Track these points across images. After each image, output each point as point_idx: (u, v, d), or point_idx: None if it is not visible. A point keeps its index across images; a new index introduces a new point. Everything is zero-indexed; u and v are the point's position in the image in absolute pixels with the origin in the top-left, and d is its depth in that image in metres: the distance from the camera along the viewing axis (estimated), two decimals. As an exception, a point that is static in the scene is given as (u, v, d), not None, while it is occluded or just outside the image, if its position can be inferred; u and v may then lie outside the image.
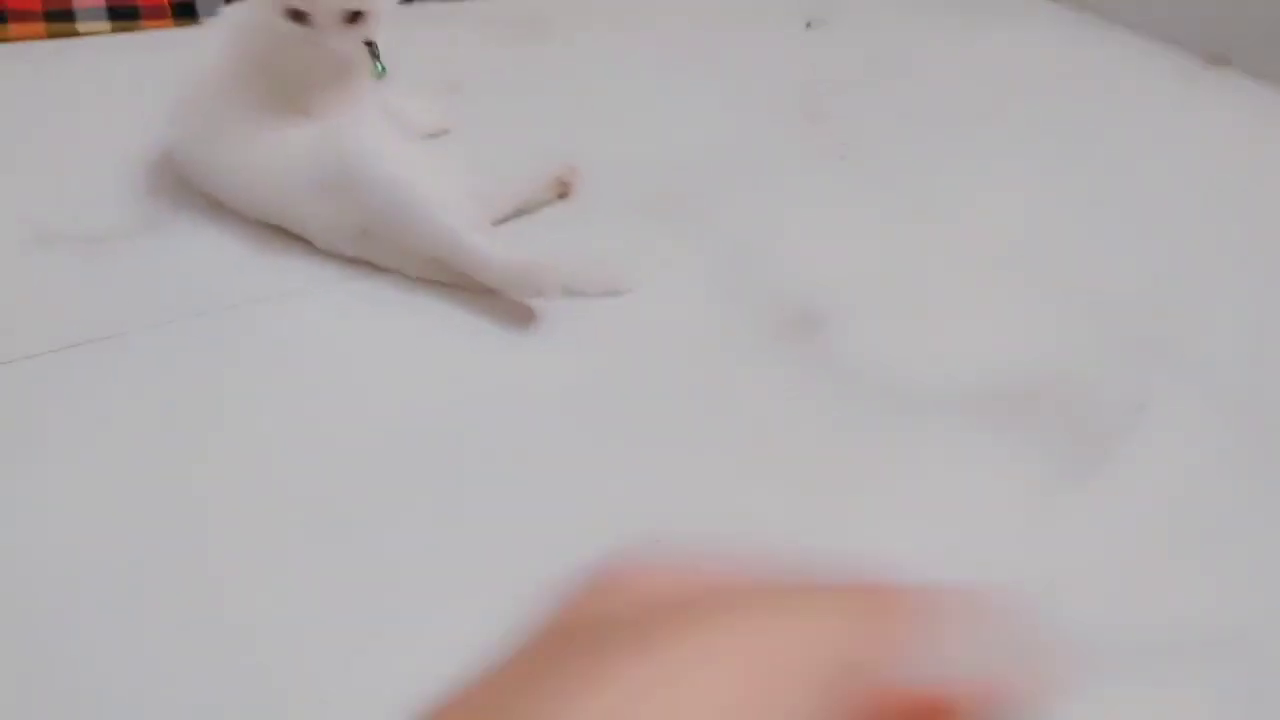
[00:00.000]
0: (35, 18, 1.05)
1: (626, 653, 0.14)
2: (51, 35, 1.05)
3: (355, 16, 0.66)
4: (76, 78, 0.97)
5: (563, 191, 0.80)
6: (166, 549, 0.51)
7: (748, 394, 0.65)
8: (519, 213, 0.77)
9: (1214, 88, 1.16)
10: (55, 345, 0.63)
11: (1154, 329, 0.74)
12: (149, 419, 0.58)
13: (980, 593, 0.16)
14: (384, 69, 0.71)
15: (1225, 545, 0.58)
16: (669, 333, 0.69)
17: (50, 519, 0.52)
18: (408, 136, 0.74)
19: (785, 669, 0.14)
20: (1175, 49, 1.25)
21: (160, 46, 1.04)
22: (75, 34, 1.06)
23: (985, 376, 0.68)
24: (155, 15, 1.10)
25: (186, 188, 0.75)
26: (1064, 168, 0.96)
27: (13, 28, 1.04)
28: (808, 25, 1.22)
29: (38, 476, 0.54)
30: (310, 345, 0.65)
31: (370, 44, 0.70)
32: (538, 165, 0.80)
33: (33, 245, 0.72)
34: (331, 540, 0.52)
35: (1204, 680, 0.49)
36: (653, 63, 1.10)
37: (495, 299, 0.68)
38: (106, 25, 1.08)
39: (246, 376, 0.62)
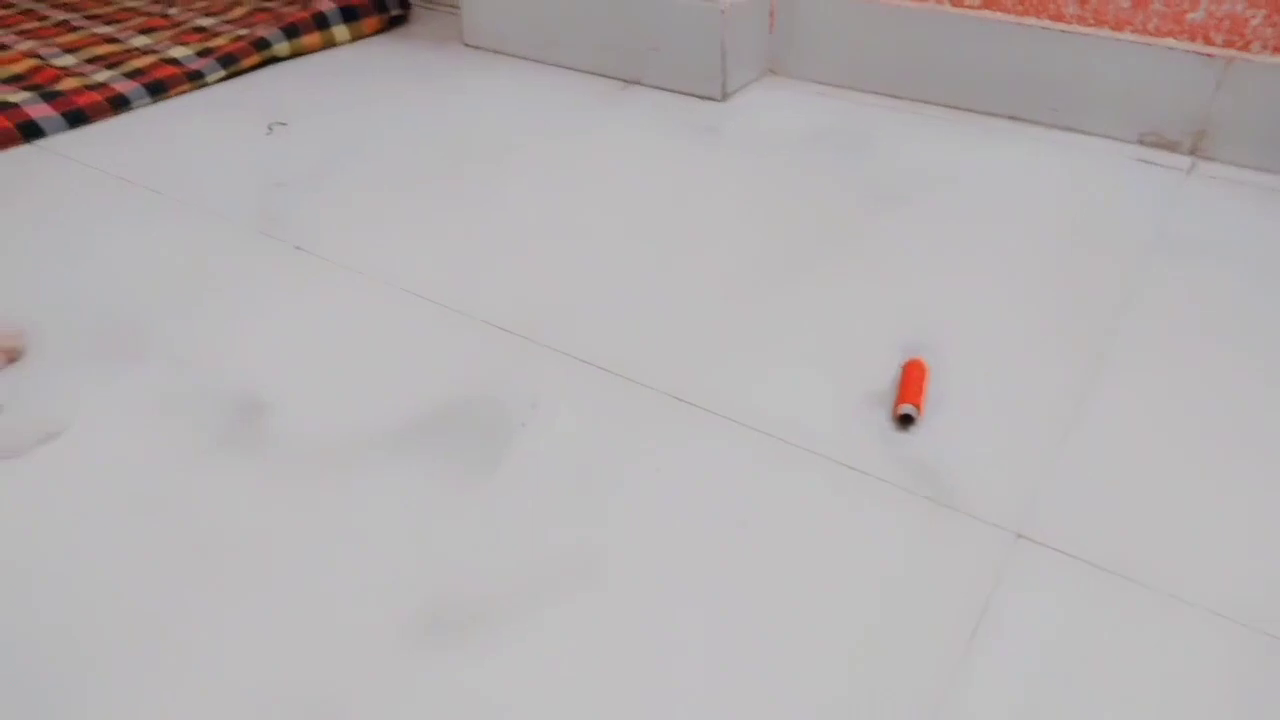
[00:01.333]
0: None
1: None
2: None
3: None
4: None
5: (12, 357, 0.84)
6: None
7: (198, 493, 0.73)
8: None
9: (630, 102, 1.40)
10: None
11: (545, 337, 0.91)
12: None
13: None
14: None
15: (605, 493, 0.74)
16: (112, 458, 0.76)
17: None
18: None
19: None
20: (597, 79, 1.49)
21: None
22: None
23: (405, 413, 0.81)
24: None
25: None
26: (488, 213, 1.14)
27: None
28: (270, 129, 1.32)
29: None
30: None
31: None
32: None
33: None
34: None
35: (587, 602, 0.65)
36: (98, 206, 1.15)
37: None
38: None
39: None
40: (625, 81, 1.47)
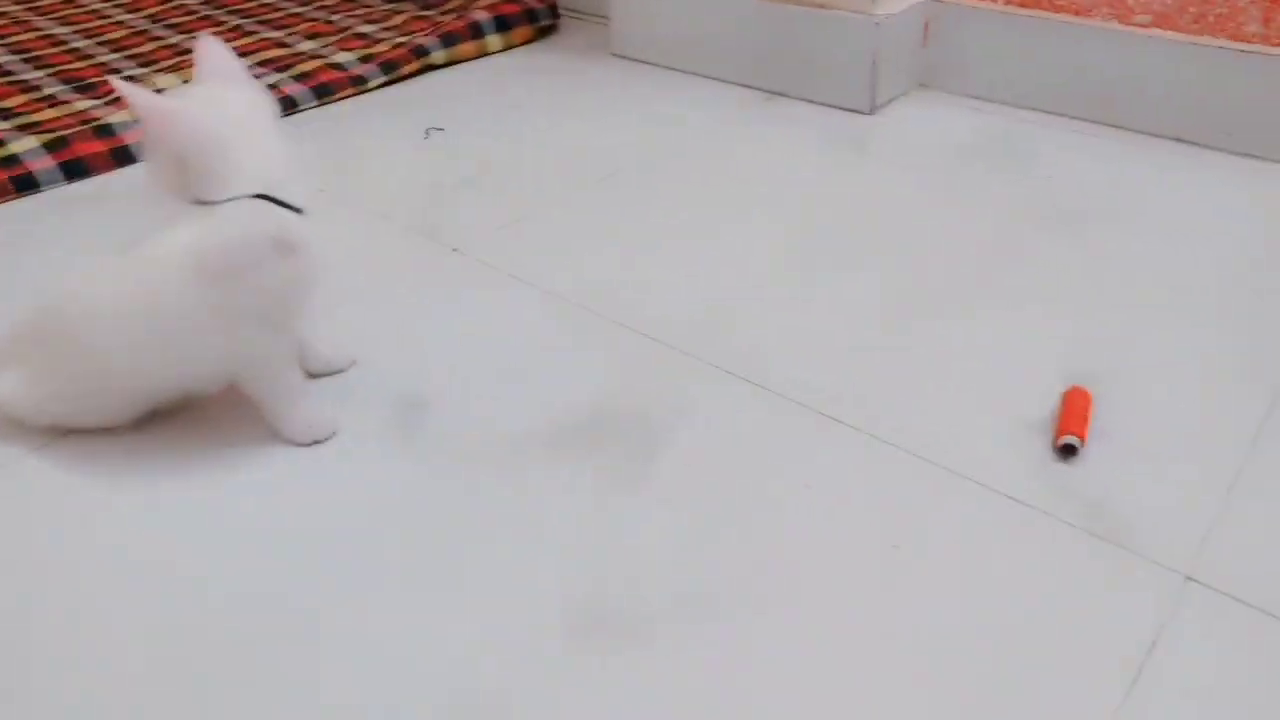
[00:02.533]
0: None
1: None
2: None
3: None
4: None
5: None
6: None
7: (362, 482, 0.78)
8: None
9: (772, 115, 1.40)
10: None
11: (697, 349, 0.93)
12: None
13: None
14: None
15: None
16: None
17: None
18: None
19: None
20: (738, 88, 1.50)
21: None
22: None
23: (558, 418, 0.84)
24: None
25: None
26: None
27: None
28: (427, 134, 1.38)
29: None
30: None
31: None
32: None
33: None
34: None
35: (772, 614, 0.66)
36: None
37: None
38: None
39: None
40: (770, 93, 1.48)
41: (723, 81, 1.53)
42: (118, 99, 1.44)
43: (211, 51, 0.76)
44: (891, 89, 1.42)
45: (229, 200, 0.73)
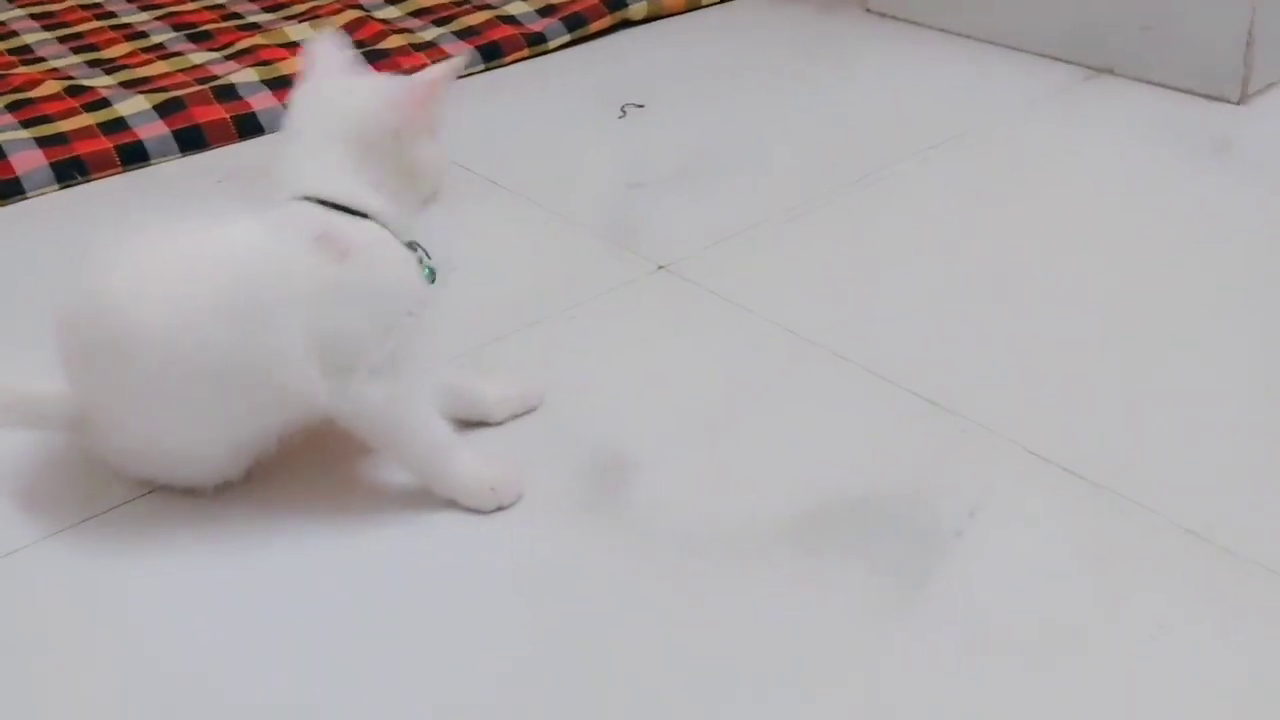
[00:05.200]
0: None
1: None
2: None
3: None
4: None
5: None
6: None
7: (558, 563, 0.79)
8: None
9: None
10: None
11: (991, 419, 0.90)
12: None
13: None
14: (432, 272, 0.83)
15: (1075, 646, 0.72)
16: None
17: None
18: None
19: None
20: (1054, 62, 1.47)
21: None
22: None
23: (800, 501, 0.83)
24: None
25: None
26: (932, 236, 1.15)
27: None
28: (622, 113, 1.42)
29: None
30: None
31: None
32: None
33: None
34: None
35: None
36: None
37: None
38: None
39: None
40: (1093, 69, 1.44)
41: (1023, 51, 1.50)
42: (244, 50, 1.54)
43: (322, 47, 0.85)
44: (1274, 70, 1.36)
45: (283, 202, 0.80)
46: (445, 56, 1.52)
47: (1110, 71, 1.44)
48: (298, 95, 0.84)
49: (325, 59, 0.84)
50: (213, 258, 0.80)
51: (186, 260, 0.81)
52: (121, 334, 0.78)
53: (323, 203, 0.79)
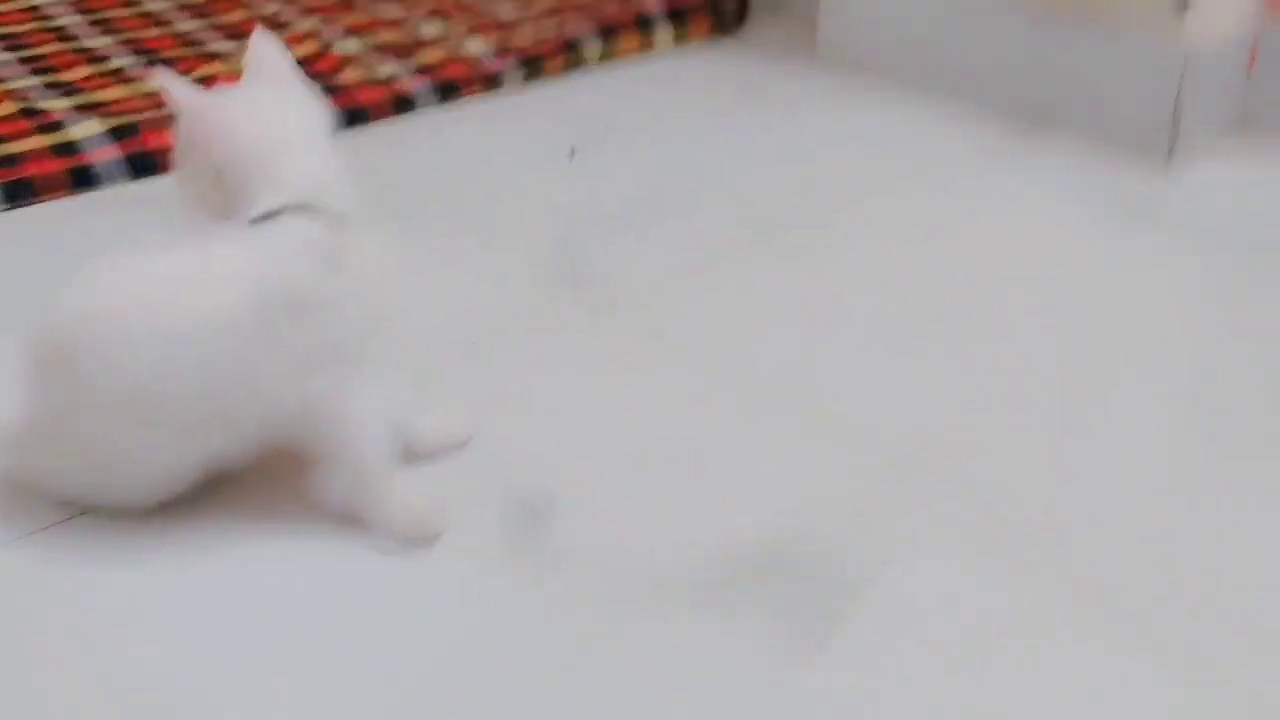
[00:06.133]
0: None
1: None
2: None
3: None
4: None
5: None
6: None
7: (469, 600, 0.80)
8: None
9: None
10: None
11: (921, 466, 0.92)
12: None
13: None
14: None
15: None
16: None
17: None
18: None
19: None
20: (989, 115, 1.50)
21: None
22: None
23: (721, 550, 0.84)
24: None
25: None
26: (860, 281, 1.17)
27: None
28: (571, 154, 1.43)
29: None
30: None
31: None
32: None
33: None
34: None
35: None
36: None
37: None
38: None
39: None
40: (1029, 126, 1.47)
41: (965, 104, 1.53)
42: (204, 78, 1.55)
43: (262, 49, 0.85)
44: (1199, 135, 1.40)
45: (265, 216, 0.80)
46: (402, 93, 1.54)
47: (1047, 125, 1.47)
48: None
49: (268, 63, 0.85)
50: (208, 269, 0.81)
51: (177, 275, 0.81)
52: (103, 342, 0.79)
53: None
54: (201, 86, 0.85)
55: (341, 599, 0.81)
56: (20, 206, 1.29)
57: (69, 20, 1.80)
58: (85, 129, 1.39)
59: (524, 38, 1.69)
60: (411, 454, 0.91)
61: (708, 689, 0.74)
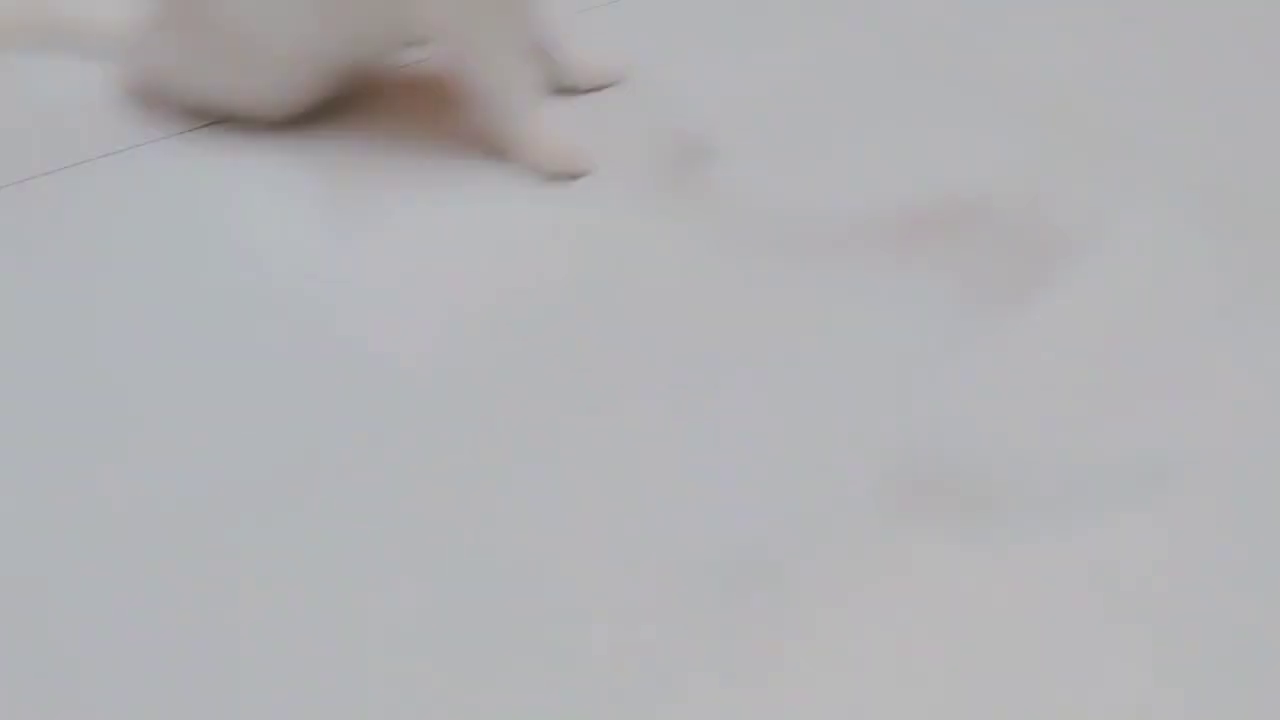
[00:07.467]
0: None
1: None
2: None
3: None
4: None
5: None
6: None
7: (620, 233, 0.76)
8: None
9: None
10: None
11: (1108, 126, 0.84)
12: None
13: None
14: None
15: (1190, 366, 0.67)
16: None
17: None
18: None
19: None
20: None
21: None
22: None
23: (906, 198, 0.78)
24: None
25: None
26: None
27: None
28: None
29: None
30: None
31: None
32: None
33: None
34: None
35: (1158, 510, 0.59)
36: None
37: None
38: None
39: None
40: None
41: None
42: None
43: None
44: None
45: None
46: None
47: None
48: None
49: None
50: None
51: None
52: None
53: None
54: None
55: (483, 225, 0.77)
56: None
57: None
58: None
59: None
60: (565, 89, 0.86)
61: (878, 333, 0.70)
